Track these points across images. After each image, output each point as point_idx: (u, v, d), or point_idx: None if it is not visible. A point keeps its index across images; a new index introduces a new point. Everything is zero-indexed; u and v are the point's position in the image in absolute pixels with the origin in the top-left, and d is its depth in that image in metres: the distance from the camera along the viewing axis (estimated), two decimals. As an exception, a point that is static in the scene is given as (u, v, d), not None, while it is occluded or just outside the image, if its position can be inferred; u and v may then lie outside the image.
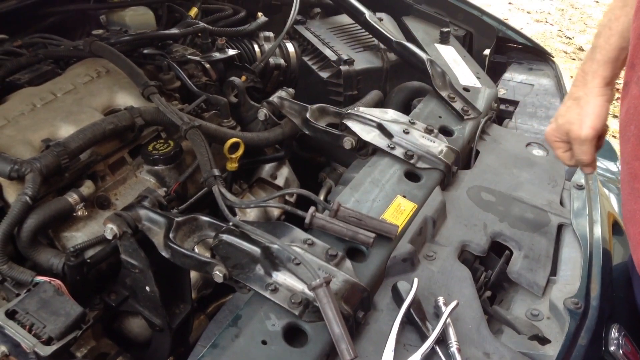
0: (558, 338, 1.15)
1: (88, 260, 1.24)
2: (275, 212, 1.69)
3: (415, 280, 1.15)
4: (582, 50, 6.05)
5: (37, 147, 1.36)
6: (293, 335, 1.04)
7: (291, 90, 1.75)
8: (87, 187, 1.35)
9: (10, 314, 1.07)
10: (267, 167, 1.80)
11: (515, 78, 2.13)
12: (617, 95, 5.37)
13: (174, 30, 1.95)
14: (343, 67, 2.06)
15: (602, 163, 2.24)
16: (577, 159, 1.26)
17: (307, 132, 1.64)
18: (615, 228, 1.53)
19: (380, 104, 1.92)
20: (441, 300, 1.15)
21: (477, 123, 1.74)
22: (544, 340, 1.13)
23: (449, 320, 1.10)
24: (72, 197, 1.30)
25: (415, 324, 1.11)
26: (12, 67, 1.66)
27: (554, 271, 1.33)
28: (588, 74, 1.19)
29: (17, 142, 1.35)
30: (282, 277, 1.10)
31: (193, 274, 1.38)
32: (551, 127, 1.29)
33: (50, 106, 1.49)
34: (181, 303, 1.32)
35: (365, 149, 1.59)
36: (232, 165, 1.56)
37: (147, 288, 1.25)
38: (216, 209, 1.58)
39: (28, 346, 1.03)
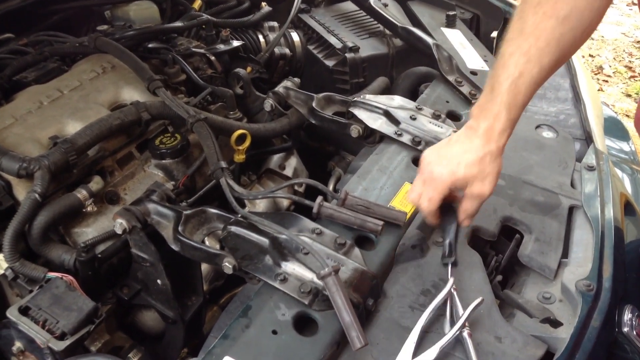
0: (570, 320, 1.14)
1: (99, 255, 1.26)
2: (285, 203, 1.69)
3: (451, 280, 1.14)
4: (593, 29, 5.96)
5: (45, 145, 1.37)
6: (303, 324, 1.04)
7: (297, 79, 1.74)
8: (96, 183, 1.35)
9: (24, 311, 1.08)
10: (275, 158, 1.80)
11: (523, 60, 2.09)
12: (630, 73, 5.23)
13: (178, 24, 1.95)
14: (348, 55, 2.05)
15: (615, 143, 2.22)
16: (465, 214, 1.18)
17: (313, 122, 1.63)
18: (628, 208, 1.52)
19: (387, 90, 1.90)
20: (451, 281, 1.14)
21: (485, 106, 1.72)
22: (556, 323, 1.13)
23: (459, 303, 1.10)
24: (81, 193, 1.30)
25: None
26: (18, 65, 1.67)
27: (565, 254, 1.32)
28: (496, 129, 1.10)
29: (25, 140, 1.36)
30: (291, 267, 1.10)
31: (204, 266, 1.39)
32: (450, 173, 1.12)
33: (57, 103, 1.50)
34: (193, 295, 1.33)
35: (372, 137, 1.58)
36: (239, 157, 1.56)
37: (159, 281, 1.26)
38: (225, 200, 1.59)
39: (42, 342, 1.05)
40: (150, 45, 1.85)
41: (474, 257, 1.25)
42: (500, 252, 1.35)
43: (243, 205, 1.52)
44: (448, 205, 1.20)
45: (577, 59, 2.07)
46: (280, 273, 1.09)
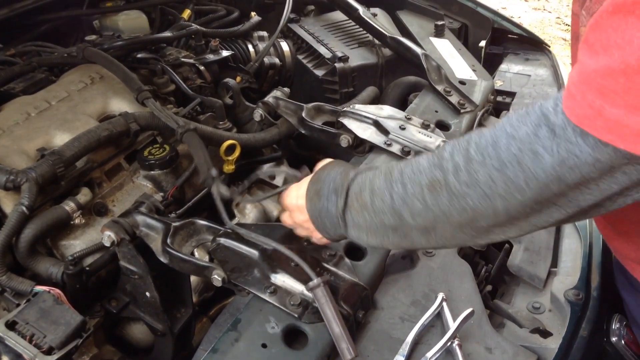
0: (560, 330, 1.15)
1: (87, 268, 1.25)
2: (274, 213, 1.69)
3: (441, 295, 1.14)
4: (580, 37, 6.02)
5: (33, 157, 1.36)
6: (293, 337, 1.04)
7: (286, 89, 1.75)
8: (84, 195, 1.35)
9: (11, 325, 1.07)
10: (265, 168, 1.80)
11: (511, 69, 2.11)
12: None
13: (167, 34, 1.95)
14: (338, 65, 2.05)
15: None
16: None
17: (303, 132, 1.63)
18: (616, 217, 1.53)
19: (376, 100, 1.91)
20: (441, 296, 1.14)
21: (474, 116, 1.73)
22: (545, 333, 1.13)
23: (449, 315, 1.10)
24: (68, 206, 1.30)
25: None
26: (6, 76, 1.66)
27: (554, 263, 1.33)
28: None
29: (13, 152, 1.35)
30: (280, 279, 1.09)
31: (193, 278, 1.38)
32: None
33: (45, 114, 1.49)
34: (182, 307, 1.32)
35: (362, 147, 1.58)
36: (229, 168, 1.56)
37: (147, 293, 1.25)
38: (215, 212, 1.58)
39: (29, 357, 1.03)
40: (139, 56, 1.84)
41: (463, 266, 1.26)
42: (490, 262, 1.36)
43: (233, 217, 1.51)
44: None
45: (564, 68, 2.09)
46: (269, 285, 1.09)
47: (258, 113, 1.68)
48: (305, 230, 1.09)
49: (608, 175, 0.67)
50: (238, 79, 1.93)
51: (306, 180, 1.05)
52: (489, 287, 1.30)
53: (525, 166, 0.70)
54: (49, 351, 1.05)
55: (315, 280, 1.01)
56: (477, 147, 0.75)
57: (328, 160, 1.07)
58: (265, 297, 1.07)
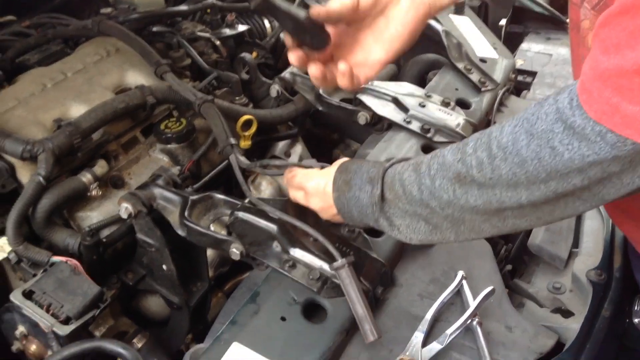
0: (581, 310, 1.13)
1: (104, 240, 1.24)
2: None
3: (460, 273, 1.13)
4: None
5: (49, 128, 1.35)
6: (312, 311, 1.03)
7: (303, 65, 1.72)
8: (101, 167, 1.33)
9: (28, 294, 1.07)
10: (281, 145, 1.78)
11: (532, 48, 2.08)
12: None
13: (183, 7, 1.91)
14: (355, 41, 2.02)
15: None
16: None
17: (320, 108, 1.61)
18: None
19: (394, 77, 1.88)
20: (461, 274, 1.13)
21: (494, 95, 1.70)
22: (567, 313, 1.12)
23: (469, 293, 1.09)
24: (85, 177, 1.29)
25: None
26: (21, 47, 1.64)
27: (576, 243, 1.31)
28: None
29: (29, 122, 1.34)
30: (299, 253, 1.08)
31: (209, 252, 1.37)
32: None
33: (61, 86, 1.48)
34: (198, 281, 1.32)
35: (380, 124, 1.56)
36: (245, 143, 1.54)
37: (164, 266, 1.24)
38: (230, 187, 1.57)
39: (46, 326, 1.03)
40: (154, 29, 1.82)
41: (483, 245, 1.24)
42: (510, 242, 1.34)
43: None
44: None
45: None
46: (288, 259, 1.07)
47: (275, 89, 1.66)
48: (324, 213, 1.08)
49: (630, 169, 0.69)
50: (254, 54, 1.90)
51: (331, 169, 1.06)
52: (508, 267, 1.29)
53: (545, 162, 0.72)
54: (66, 321, 1.05)
55: (340, 261, 0.99)
56: (498, 143, 0.77)
57: (345, 159, 1.08)
58: (284, 271, 1.06)
